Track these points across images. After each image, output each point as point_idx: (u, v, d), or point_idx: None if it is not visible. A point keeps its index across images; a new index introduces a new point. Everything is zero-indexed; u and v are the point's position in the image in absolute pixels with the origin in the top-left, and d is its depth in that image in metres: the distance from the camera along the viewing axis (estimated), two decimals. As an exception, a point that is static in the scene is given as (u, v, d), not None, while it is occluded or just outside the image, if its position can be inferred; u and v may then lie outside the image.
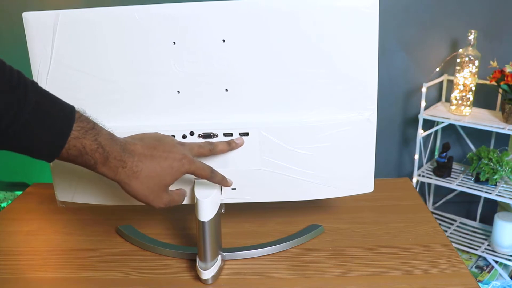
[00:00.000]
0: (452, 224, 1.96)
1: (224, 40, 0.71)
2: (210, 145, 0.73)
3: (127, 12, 0.70)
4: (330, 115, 0.74)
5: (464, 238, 1.87)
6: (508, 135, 1.91)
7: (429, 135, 1.98)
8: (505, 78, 1.65)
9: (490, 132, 1.91)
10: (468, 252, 1.84)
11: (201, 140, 0.75)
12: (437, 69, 1.91)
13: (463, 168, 1.91)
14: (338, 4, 0.69)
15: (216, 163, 0.76)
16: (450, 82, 1.89)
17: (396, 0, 1.84)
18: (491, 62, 1.74)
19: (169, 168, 0.67)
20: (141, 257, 0.84)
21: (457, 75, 1.77)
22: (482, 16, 1.84)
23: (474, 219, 2.01)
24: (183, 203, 0.78)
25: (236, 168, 0.76)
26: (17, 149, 0.59)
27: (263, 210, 0.97)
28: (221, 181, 0.74)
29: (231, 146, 0.74)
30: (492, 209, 2.00)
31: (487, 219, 1.97)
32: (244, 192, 0.78)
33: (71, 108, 0.61)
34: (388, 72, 1.92)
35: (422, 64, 1.93)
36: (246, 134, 0.75)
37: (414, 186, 1.77)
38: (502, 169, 1.71)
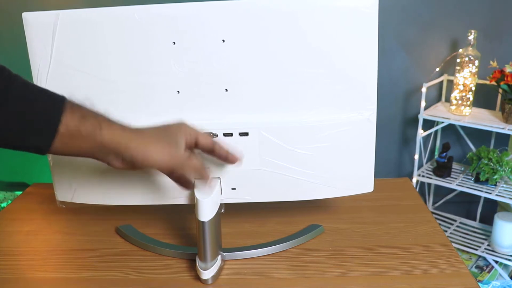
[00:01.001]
0: (452, 224, 1.96)
1: (224, 40, 0.71)
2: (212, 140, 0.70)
3: (127, 12, 0.70)
4: (330, 115, 0.74)
5: (464, 238, 1.87)
6: (508, 135, 1.91)
7: (429, 135, 1.98)
8: (505, 78, 1.65)
9: (490, 132, 1.91)
10: (468, 252, 1.84)
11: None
12: (437, 69, 1.91)
13: (463, 168, 1.91)
14: (338, 4, 0.69)
15: (216, 163, 0.76)
16: (450, 82, 1.89)
17: (396, 0, 1.84)
18: (491, 62, 1.74)
19: (172, 129, 0.64)
20: (141, 257, 0.84)
21: (457, 75, 1.77)
22: (482, 16, 1.84)
23: (474, 219, 2.01)
24: (184, 203, 0.78)
25: (236, 168, 0.76)
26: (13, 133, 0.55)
27: (263, 210, 0.97)
28: (227, 156, 0.70)
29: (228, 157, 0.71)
30: (492, 209, 2.00)
31: (487, 219, 1.97)
32: (244, 192, 0.78)
33: (60, 94, 0.59)
34: (388, 72, 1.92)
35: (422, 64, 1.93)
36: (246, 134, 0.75)
37: (414, 186, 1.77)
38: (502, 169, 1.71)
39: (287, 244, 0.85)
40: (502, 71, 1.67)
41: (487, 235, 1.87)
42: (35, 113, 0.56)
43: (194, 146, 0.67)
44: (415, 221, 0.92)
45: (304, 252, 0.84)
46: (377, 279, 0.76)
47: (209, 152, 0.70)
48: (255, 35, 0.71)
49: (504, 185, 1.75)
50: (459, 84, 1.77)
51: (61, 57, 0.73)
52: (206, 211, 0.74)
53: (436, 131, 1.99)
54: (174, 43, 0.71)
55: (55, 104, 0.57)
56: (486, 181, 1.77)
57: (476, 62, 1.73)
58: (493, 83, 1.70)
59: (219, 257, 0.79)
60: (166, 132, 0.64)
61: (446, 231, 1.90)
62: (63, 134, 0.57)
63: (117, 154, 0.61)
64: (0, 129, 0.55)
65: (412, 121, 2.01)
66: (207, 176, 0.70)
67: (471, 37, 1.72)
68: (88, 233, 0.92)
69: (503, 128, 1.66)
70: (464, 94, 1.77)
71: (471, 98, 1.78)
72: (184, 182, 0.71)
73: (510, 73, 1.65)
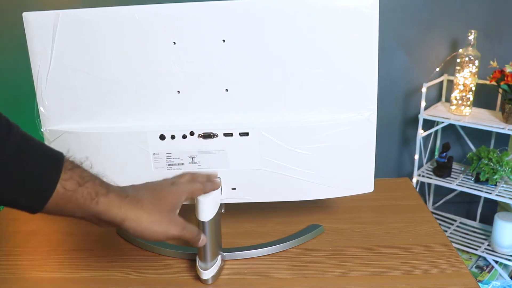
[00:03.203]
0: (452, 224, 1.96)
1: (224, 40, 0.71)
2: (189, 174, 0.71)
3: (127, 12, 0.70)
4: (330, 115, 0.74)
5: (464, 238, 1.87)
6: (508, 135, 1.91)
7: (429, 135, 1.98)
8: (505, 78, 1.65)
9: (490, 132, 1.91)
10: (468, 252, 1.84)
11: (201, 140, 0.75)
12: (437, 69, 1.91)
13: (463, 168, 1.91)
14: (338, 4, 0.69)
15: (216, 164, 0.76)
16: (450, 82, 1.89)
17: (396, 0, 1.84)
18: (491, 62, 1.74)
19: (167, 191, 0.64)
20: (141, 257, 0.84)
21: (457, 75, 1.77)
22: (482, 16, 1.84)
23: (474, 219, 2.01)
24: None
25: (236, 168, 0.76)
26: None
27: (263, 210, 0.97)
28: (214, 187, 0.72)
29: (209, 177, 0.72)
30: (492, 209, 2.00)
31: (487, 219, 1.97)
32: (244, 192, 0.78)
33: (58, 151, 0.56)
34: (388, 72, 1.92)
35: (422, 64, 1.93)
36: (246, 134, 0.75)
37: (414, 186, 1.77)
38: (502, 169, 1.71)
39: (287, 244, 0.85)
40: (502, 71, 1.67)
41: (487, 235, 1.87)
42: (30, 173, 0.52)
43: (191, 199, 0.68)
44: (415, 221, 0.92)
45: (304, 252, 0.84)
46: (377, 279, 0.76)
47: None
48: (255, 35, 0.71)
49: (504, 185, 1.75)
50: (459, 84, 1.77)
51: (61, 57, 0.73)
52: (206, 211, 0.74)
53: (436, 131, 1.99)
54: (174, 43, 0.71)
55: (52, 165, 0.54)
56: (486, 181, 1.76)
57: (476, 62, 1.73)
58: (493, 83, 1.70)
59: (219, 257, 0.79)
60: (162, 201, 0.63)
61: (446, 231, 1.90)
62: (58, 198, 0.54)
63: (113, 224, 0.60)
64: None
65: (412, 121, 2.01)
66: (202, 241, 0.69)
67: (471, 37, 1.72)
68: (88, 233, 0.92)
69: (503, 128, 1.66)
70: (464, 94, 1.77)
71: (471, 98, 1.78)
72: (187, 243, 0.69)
73: (510, 73, 1.65)
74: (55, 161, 0.54)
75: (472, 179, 1.81)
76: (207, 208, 0.74)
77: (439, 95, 1.98)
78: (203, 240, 0.68)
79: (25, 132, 0.54)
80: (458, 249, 1.81)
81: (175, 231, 0.62)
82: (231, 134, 0.75)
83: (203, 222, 0.74)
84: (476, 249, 1.79)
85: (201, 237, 0.68)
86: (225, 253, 0.81)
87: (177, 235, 0.63)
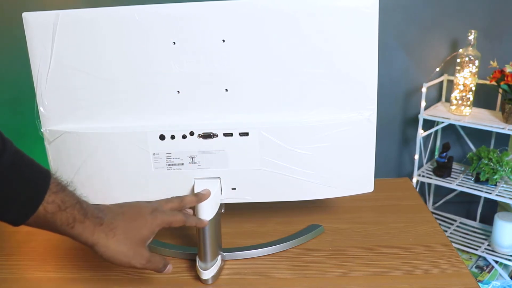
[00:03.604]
0: (452, 224, 1.96)
1: (224, 40, 0.71)
2: (178, 198, 0.72)
3: (127, 12, 0.70)
4: (330, 115, 0.74)
5: (464, 238, 1.87)
6: (508, 135, 1.91)
7: (429, 135, 1.98)
8: (505, 78, 1.65)
9: (490, 132, 1.91)
10: (468, 252, 1.84)
11: (201, 140, 0.75)
12: (437, 69, 1.91)
13: (463, 168, 1.91)
14: (338, 4, 0.69)
15: (216, 163, 0.76)
16: (450, 82, 1.89)
17: (396, 0, 1.84)
18: (491, 62, 1.74)
19: (143, 222, 0.66)
20: (141, 257, 0.84)
21: (457, 75, 1.77)
22: (482, 16, 1.84)
23: (474, 219, 2.01)
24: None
25: (236, 168, 0.76)
26: None
27: (263, 210, 0.97)
28: (198, 223, 0.73)
29: (198, 198, 0.74)
30: (492, 209, 2.00)
31: (487, 219, 1.97)
32: (244, 192, 0.78)
33: (46, 169, 0.60)
34: (388, 72, 1.92)
35: (422, 64, 1.93)
36: (246, 134, 0.75)
37: (414, 186, 1.77)
38: (502, 169, 1.71)
39: (287, 244, 0.85)
40: (502, 71, 1.67)
41: (487, 235, 1.87)
42: (18, 192, 0.57)
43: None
44: (415, 221, 0.92)
45: (304, 252, 0.84)
46: (377, 279, 0.76)
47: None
48: (255, 35, 0.71)
49: (504, 185, 1.75)
50: (459, 84, 1.77)
51: (61, 57, 0.73)
52: (206, 211, 0.74)
53: (436, 131, 1.99)
54: (174, 43, 0.71)
55: (39, 186, 0.58)
56: (486, 181, 1.76)
57: (476, 62, 1.73)
58: (493, 83, 1.70)
59: (219, 257, 0.79)
60: (135, 232, 0.66)
61: (446, 231, 1.90)
62: (37, 217, 0.59)
63: (85, 245, 0.65)
64: None
65: (412, 121, 2.01)
66: (168, 269, 0.71)
67: (471, 37, 1.72)
68: (88, 233, 0.92)
69: (503, 128, 1.66)
70: (464, 94, 1.77)
71: (471, 98, 1.78)
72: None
73: (510, 73, 1.64)
74: (42, 182, 0.58)
75: (472, 179, 1.81)
76: (207, 208, 0.74)
77: (439, 95, 1.98)
78: (169, 268, 0.70)
79: (18, 149, 0.58)
80: (458, 249, 1.81)
81: (138, 264, 0.66)
82: (231, 134, 0.75)
83: (203, 222, 0.74)
84: (476, 249, 1.79)
85: (167, 267, 0.70)
86: (225, 253, 0.81)
87: (140, 267, 0.66)
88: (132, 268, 0.66)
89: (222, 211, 0.80)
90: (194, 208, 0.75)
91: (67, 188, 0.61)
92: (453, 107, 1.81)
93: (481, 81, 1.79)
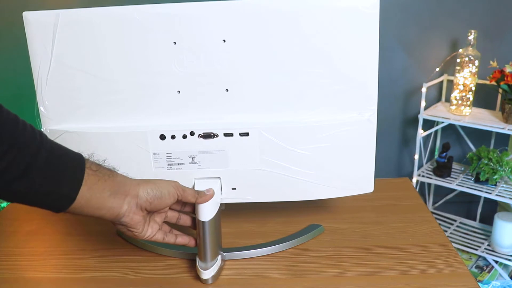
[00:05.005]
0: (452, 224, 1.96)
1: (224, 40, 0.71)
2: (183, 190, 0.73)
3: (127, 12, 0.70)
4: (330, 115, 0.74)
5: (464, 238, 1.87)
6: (508, 135, 1.91)
7: (429, 135, 1.98)
8: (505, 78, 1.65)
9: (490, 132, 1.91)
10: (468, 252, 1.84)
11: (201, 140, 0.75)
12: (437, 69, 1.91)
13: (463, 168, 1.91)
14: (338, 4, 0.69)
15: (216, 163, 0.76)
16: (450, 82, 1.89)
17: (396, 0, 1.84)
18: (491, 62, 1.74)
19: (166, 188, 0.69)
20: (141, 257, 0.84)
21: (457, 75, 1.77)
22: (482, 16, 1.84)
23: (474, 219, 2.01)
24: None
25: (236, 168, 0.76)
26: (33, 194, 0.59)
27: (263, 210, 0.97)
28: (210, 197, 0.75)
29: (200, 197, 0.74)
30: (492, 209, 2.00)
31: (487, 219, 1.97)
32: (244, 192, 0.78)
33: (79, 154, 0.63)
34: (388, 72, 1.92)
35: (422, 64, 1.93)
36: (247, 134, 0.75)
37: (414, 186, 1.77)
38: (502, 169, 1.71)
39: (287, 244, 0.85)
40: (502, 71, 1.67)
41: (487, 235, 1.87)
42: (58, 179, 0.59)
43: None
44: (415, 221, 0.92)
45: (304, 252, 0.84)
46: (377, 279, 0.76)
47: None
48: (256, 35, 0.71)
49: (504, 185, 1.75)
50: (459, 84, 1.77)
51: (61, 57, 0.73)
52: (206, 211, 0.74)
53: (436, 131, 1.99)
54: (174, 43, 0.71)
55: (77, 169, 0.61)
56: (486, 181, 1.77)
57: (476, 62, 1.73)
58: (493, 83, 1.70)
59: (219, 257, 0.79)
60: (163, 190, 0.69)
61: (446, 231, 1.90)
62: (80, 199, 0.61)
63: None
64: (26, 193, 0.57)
65: (412, 121, 2.01)
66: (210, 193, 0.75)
67: (471, 37, 1.72)
68: (88, 233, 0.92)
69: (503, 128, 1.66)
70: (464, 94, 1.77)
71: (471, 98, 1.78)
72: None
73: (510, 73, 1.65)
74: (78, 165, 0.62)
75: (472, 179, 1.81)
76: (207, 208, 0.74)
77: (439, 95, 1.98)
78: (212, 192, 0.75)
79: (51, 140, 0.61)
80: (458, 249, 1.81)
81: (148, 229, 0.71)
82: (231, 134, 0.75)
83: (203, 222, 0.74)
84: (476, 249, 1.79)
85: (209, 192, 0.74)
86: (225, 253, 0.81)
87: (148, 234, 0.71)
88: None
89: (223, 208, 0.80)
90: (194, 208, 0.75)
91: (102, 166, 0.65)
92: (453, 107, 1.81)
93: (481, 81, 1.79)
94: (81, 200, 0.61)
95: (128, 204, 0.66)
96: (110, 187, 0.64)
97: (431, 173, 1.90)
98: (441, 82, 1.94)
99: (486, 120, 1.74)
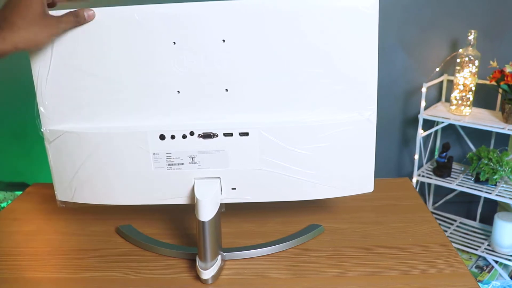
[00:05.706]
0: (452, 224, 1.96)
1: (224, 40, 0.71)
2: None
3: (127, 12, 0.70)
4: (330, 115, 0.74)
5: (464, 238, 1.87)
6: (508, 135, 1.91)
7: (429, 135, 1.98)
8: (505, 78, 1.65)
9: (490, 132, 1.91)
10: (468, 252, 1.84)
11: (201, 140, 0.75)
12: (437, 69, 1.91)
13: (463, 168, 1.91)
14: (338, 4, 0.69)
15: (216, 163, 0.76)
16: (450, 82, 1.89)
17: (396, 0, 1.84)
18: (491, 62, 1.74)
19: (43, 43, 0.68)
20: (141, 257, 0.84)
21: (457, 75, 1.77)
22: (482, 16, 1.84)
23: (474, 219, 2.01)
24: (184, 202, 0.78)
25: (236, 168, 0.76)
26: None
27: (263, 210, 0.97)
28: (88, 15, 0.70)
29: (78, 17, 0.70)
30: (492, 209, 2.00)
31: (487, 219, 1.97)
32: (244, 192, 0.78)
33: None
34: (388, 72, 1.92)
35: (422, 64, 1.93)
36: (246, 134, 0.75)
37: (414, 186, 1.77)
38: (502, 169, 1.71)
39: (287, 244, 0.85)
40: (502, 71, 1.67)
41: (487, 235, 1.87)
42: None
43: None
44: (415, 221, 0.92)
45: (304, 252, 0.84)
46: (377, 279, 0.76)
47: None
48: (255, 35, 0.71)
49: (504, 185, 1.75)
50: (459, 84, 1.77)
51: (61, 57, 0.73)
52: (206, 211, 0.74)
53: (436, 131, 1.99)
54: (174, 43, 0.71)
55: None
56: (486, 181, 1.77)
57: (476, 62, 1.73)
58: (493, 83, 1.70)
59: (219, 257, 0.79)
60: (28, 10, 0.65)
61: (446, 231, 1.90)
62: None
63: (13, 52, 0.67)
64: None
65: (412, 121, 2.01)
66: (89, 16, 0.70)
67: (471, 37, 1.72)
68: (88, 233, 0.92)
69: (503, 128, 1.66)
70: (464, 94, 1.77)
71: (471, 98, 1.78)
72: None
73: (510, 73, 1.65)
74: None
75: (472, 179, 1.81)
76: (207, 208, 0.74)
77: (439, 95, 1.98)
78: (91, 14, 0.70)
79: None
80: (458, 249, 1.81)
81: (53, 31, 0.68)
82: (231, 134, 0.75)
83: (203, 222, 0.74)
84: (476, 249, 1.79)
85: (86, 14, 0.69)
86: (225, 253, 0.81)
87: (55, 32, 0.68)
88: (57, 35, 0.68)
89: (223, 210, 0.80)
90: (194, 209, 0.75)
91: None
92: (453, 107, 1.81)
93: (481, 81, 1.79)
94: None
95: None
96: None
97: (431, 173, 1.90)
98: (441, 82, 1.94)
99: (486, 120, 1.74)
